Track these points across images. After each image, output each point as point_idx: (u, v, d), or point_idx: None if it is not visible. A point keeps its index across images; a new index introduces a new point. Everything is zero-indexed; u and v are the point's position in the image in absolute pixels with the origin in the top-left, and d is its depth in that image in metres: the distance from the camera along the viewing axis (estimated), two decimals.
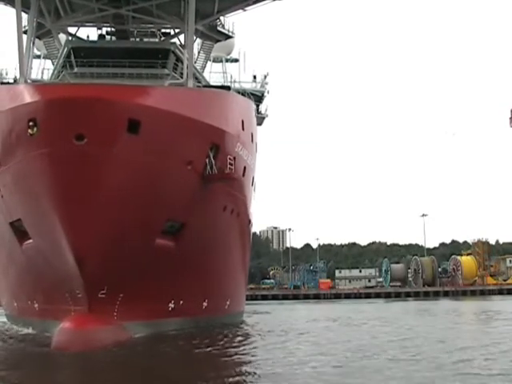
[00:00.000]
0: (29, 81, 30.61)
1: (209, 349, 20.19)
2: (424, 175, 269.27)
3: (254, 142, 30.96)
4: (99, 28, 40.38)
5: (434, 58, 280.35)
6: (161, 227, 22.56)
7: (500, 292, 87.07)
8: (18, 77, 39.10)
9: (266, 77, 48.86)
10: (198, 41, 41.32)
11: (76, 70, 33.42)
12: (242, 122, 27.20)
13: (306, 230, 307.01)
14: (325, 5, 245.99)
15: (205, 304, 28.07)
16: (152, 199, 21.18)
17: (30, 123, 18.64)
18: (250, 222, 34.35)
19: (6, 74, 42.53)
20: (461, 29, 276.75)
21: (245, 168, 28.20)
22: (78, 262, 19.79)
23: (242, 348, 20.58)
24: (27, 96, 19.08)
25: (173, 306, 25.07)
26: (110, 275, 20.69)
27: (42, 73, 45.78)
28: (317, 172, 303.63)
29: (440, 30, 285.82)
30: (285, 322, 36.25)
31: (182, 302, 25.44)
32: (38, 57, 52.25)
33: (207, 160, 22.91)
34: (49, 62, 51.22)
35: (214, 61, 50.20)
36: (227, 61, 51.72)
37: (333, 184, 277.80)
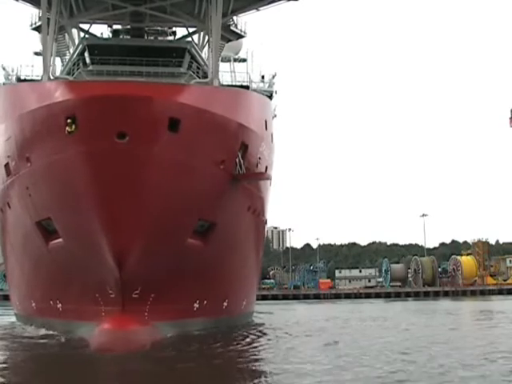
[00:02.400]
0: (52, 78, 30.31)
1: (254, 353, 19.93)
2: (424, 175, 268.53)
3: (273, 142, 30.94)
4: (110, 26, 40.21)
5: (435, 58, 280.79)
6: (193, 227, 22.51)
7: (500, 292, 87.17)
8: (20, 74, 39.14)
9: (273, 77, 48.91)
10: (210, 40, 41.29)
11: (91, 67, 33.14)
12: (265, 121, 27.17)
13: (306, 229, 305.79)
14: (333, 6, 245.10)
15: (225, 304, 28.05)
16: (188, 198, 21.05)
17: (68, 121, 18.33)
18: (266, 221, 34.37)
19: (13, 71, 42.33)
20: (462, 29, 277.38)
21: (266, 168, 28.16)
22: (118, 263, 19.55)
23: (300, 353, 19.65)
24: (64, 93, 18.77)
25: (197, 306, 25.03)
26: (146, 275, 20.53)
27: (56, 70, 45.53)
28: (317, 172, 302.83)
29: (442, 31, 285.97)
30: (299, 320, 36.33)
31: (205, 302, 25.39)
32: (41, 54, 52.00)
33: (237, 160, 22.88)
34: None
35: (222, 60, 50.11)
36: (235, 60, 51.67)
37: (333, 184, 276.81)
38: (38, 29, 38.33)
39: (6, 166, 23.22)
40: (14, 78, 41.31)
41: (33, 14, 38.35)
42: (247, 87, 33.10)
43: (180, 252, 21.94)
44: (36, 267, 25.72)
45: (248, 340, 23.75)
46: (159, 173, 19.61)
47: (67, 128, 18.46)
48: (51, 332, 24.59)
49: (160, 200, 19.96)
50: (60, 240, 22.30)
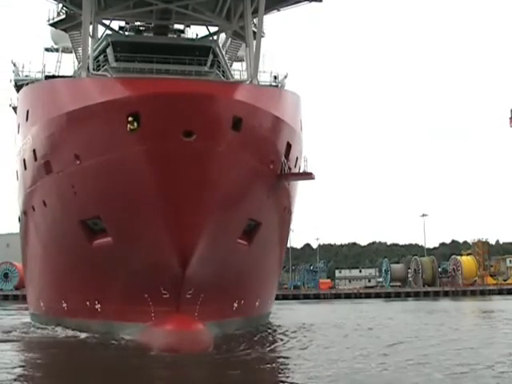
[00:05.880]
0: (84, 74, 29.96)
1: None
2: (424, 175, 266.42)
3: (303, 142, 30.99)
4: (127, 22, 39.92)
5: (435, 57, 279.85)
6: (244, 226, 22.45)
7: (500, 292, 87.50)
8: (30, 71, 38.82)
9: (285, 77, 48.97)
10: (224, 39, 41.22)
11: (115, 64, 32.81)
12: (300, 121, 27.19)
13: (306, 229, 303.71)
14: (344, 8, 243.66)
15: (257, 303, 28.15)
16: (243, 197, 21.01)
17: (130, 118, 18.06)
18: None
19: (23, 67, 41.99)
20: (463, 29, 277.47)
21: (299, 168, 28.19)
22: (183, 262, 19.32)
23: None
24: (125, 90, 18.51)
25: (236, 305, 24.98)
26: (201, 275, 20.38)
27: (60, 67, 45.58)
28: (317, 172, 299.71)
29: (442, 31, 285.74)
30: (324, 320, 36.42)
31: (243, 301, 25.38)
32: (52, 50, 51.67)
33: (282, 159, 22.78)
34: (64, 55, 50.88)
35: (236, 60, 50.08)
36: None
37: (333, 184, 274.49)
38: (55, 24, 37.97)
39: (46, 163, 22.87)
40: (23, 74, 41.05)
41: (50, 9, 38.07)
42: (276, 86, 33.02)
43: (230, 251, 21.89)
44: (73, 267, 25.01)
45: (296, 341, 23.43)
46: (222, 172, 19.48)
47: (129, 125, 18.18)
48: (92, 334, 23.91)
49: (221, 199, 19.85)
50: (107, 239, 21.80)
